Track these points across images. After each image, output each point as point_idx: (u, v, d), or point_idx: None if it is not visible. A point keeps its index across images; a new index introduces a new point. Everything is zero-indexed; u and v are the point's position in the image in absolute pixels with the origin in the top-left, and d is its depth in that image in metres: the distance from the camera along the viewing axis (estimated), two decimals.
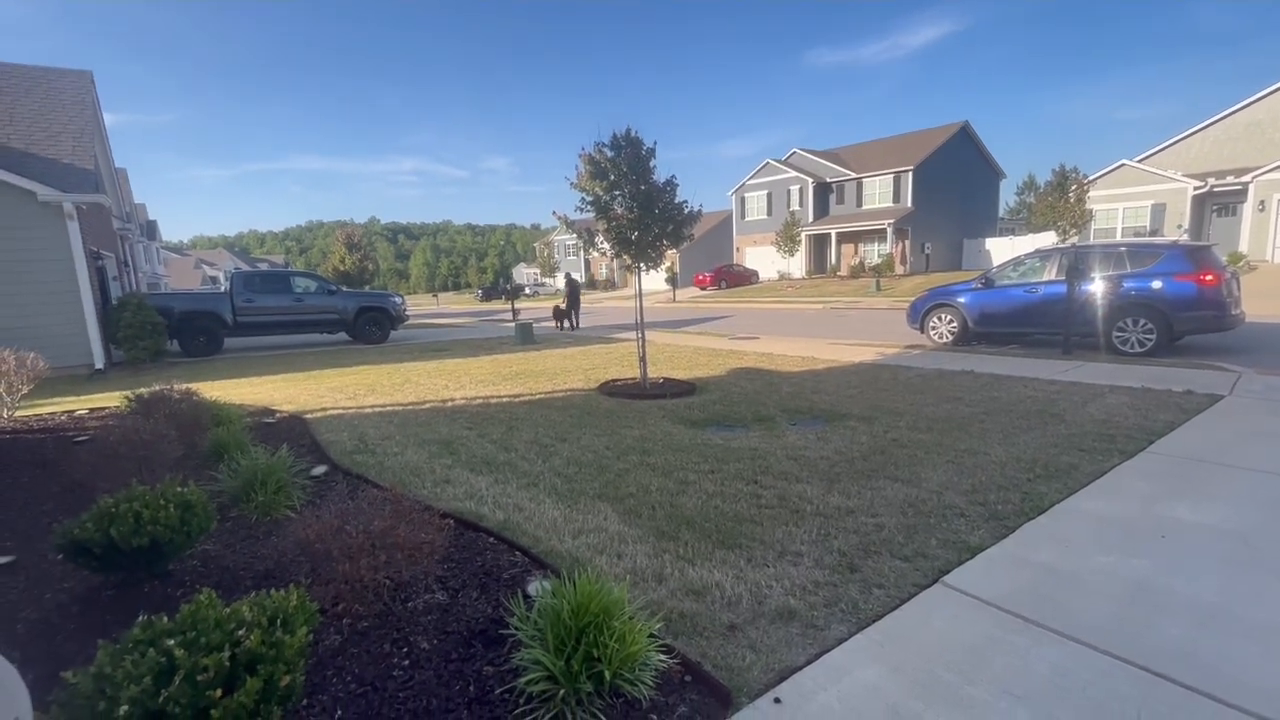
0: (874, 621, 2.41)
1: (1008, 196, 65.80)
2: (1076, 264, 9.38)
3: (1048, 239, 27.76)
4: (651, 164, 7.13)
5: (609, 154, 7.05)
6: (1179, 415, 5.43)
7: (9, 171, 10.27)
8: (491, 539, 3.21)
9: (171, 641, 1.47)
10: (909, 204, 35.75)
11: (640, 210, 7.05)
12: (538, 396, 7.38)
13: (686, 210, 7.30)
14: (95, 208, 12.13)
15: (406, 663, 2.18)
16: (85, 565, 2.62)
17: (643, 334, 7.82)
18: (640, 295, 7.99)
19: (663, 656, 2.07)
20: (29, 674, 2.11)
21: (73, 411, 7.07)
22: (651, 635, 2.08)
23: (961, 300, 10.90)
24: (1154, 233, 27.33)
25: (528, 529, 3.37)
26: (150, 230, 39.64)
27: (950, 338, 10.95)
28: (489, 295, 50.53)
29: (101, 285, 12.78)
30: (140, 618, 1.62)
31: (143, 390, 5.29)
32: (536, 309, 31.92)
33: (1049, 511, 3.42)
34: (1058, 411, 5.74)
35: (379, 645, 2.28)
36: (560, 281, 57.51)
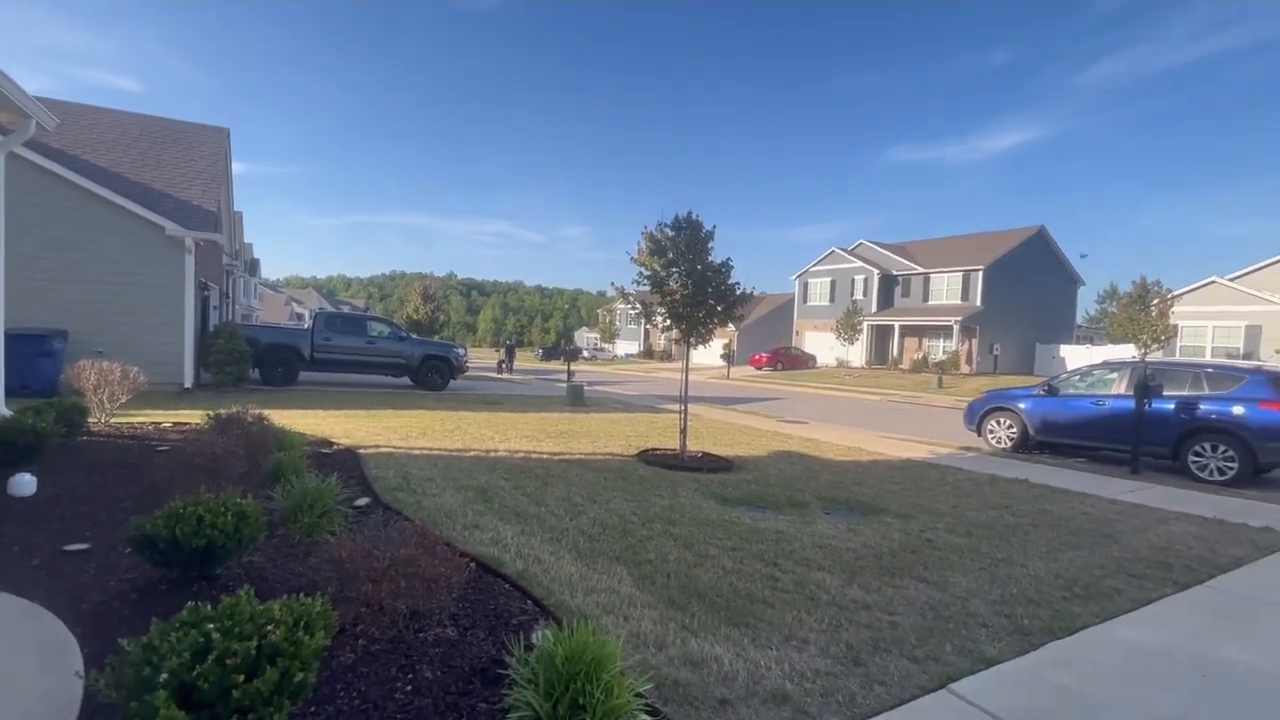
0: (869, 718, 2.37)
1: (1088, 304, 63.58)
2: (1147, 381, 8.98)
3: (1127, 351, 26.48)
4: (710, 245, 7.49)
5: (670, 233, 7.47)
6: (1252, 552, 5.05)
7: (145, 207, 11.80)
8: (507, 585, 3.34)
9: (211, 626, 1.68)
10: (978, 303, 35.08)
11: (694, 288, 7.36)
12: (577, 456, 7.56)
13: (739, 292, 7.56)
14: (210, 244, 13.60)
15: (409, 689, 2.31)
16: (149, 559, 2.92)
17: (685, 406, 7.96)
18: (686, 370, 8.20)
19: (647, 717, 2.12)
20: (86, 647, 2.37)
21: (159, 423, 7.76)
22: (639, 694, 2.14)
23: (1022, 406, 10.53)
24: (1248, 355, 25.66)
25: (543, 581, 3.48)
26: (252, 267, 43.42)
27: (1009, 443, 10.52)
28: (549, 355, 52.44)
29: (203, 313, 14.10)
30: (189, 604, 1.85)
31: (221, 411, 5.81)
32: (593, 372, 32.56)
33: (1079, 633, 3.26)
34: (1113, 532, 5.43)
35: (387, 669, 2.42)
36: (619, 349, 58.87)
